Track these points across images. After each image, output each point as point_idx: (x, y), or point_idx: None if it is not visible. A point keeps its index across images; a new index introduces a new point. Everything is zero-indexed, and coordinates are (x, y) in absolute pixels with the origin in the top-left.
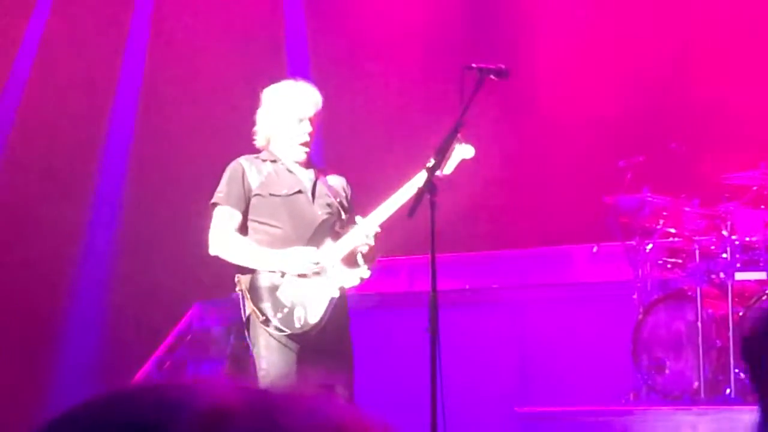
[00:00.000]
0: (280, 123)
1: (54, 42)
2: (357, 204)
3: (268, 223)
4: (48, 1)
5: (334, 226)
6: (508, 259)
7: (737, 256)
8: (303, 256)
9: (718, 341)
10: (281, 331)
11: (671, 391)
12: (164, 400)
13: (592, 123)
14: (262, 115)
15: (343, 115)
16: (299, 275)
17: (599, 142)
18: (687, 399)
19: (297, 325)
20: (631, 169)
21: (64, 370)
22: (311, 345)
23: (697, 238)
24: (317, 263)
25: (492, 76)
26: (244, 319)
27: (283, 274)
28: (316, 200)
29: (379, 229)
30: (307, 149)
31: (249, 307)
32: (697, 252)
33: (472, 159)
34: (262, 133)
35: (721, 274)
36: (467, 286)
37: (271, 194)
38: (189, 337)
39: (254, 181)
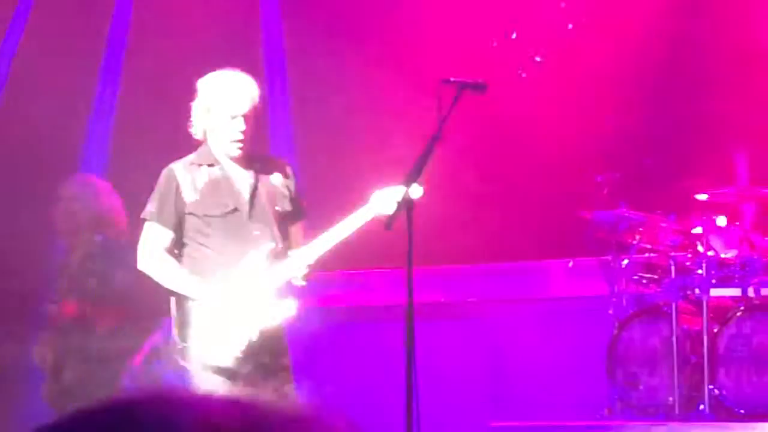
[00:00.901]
0: (212, 119)
1: (32, 47)
2: (309, 197)
3: (202, 243)
4: (28, 2)
5: (270, 249)
6: (484, 273)
7: (713, 272)
8: (222, 300)
9: (692, 357)
10: (199, 362)
11: (646, 407)
12: (159, 416)
13: (569, 138)
14: (196, 108)
15: (316, 116)
16: (221, 306)
17: (576, 157)
18: (661, 414)
19: (210, 362)
20: (608, 185)
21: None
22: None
23: (673, 253)
24: (235, 312)
25: (470, 90)
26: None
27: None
28: (253, 216)
29: (308, 268)
30: (241, 146)
31: (173, 332)
32: (672, 268)
33: (417, 198)
34: (198, 126)
35: (697, 290)
36: (443, 300)
37: (205, 215)
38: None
39: (189, 195)
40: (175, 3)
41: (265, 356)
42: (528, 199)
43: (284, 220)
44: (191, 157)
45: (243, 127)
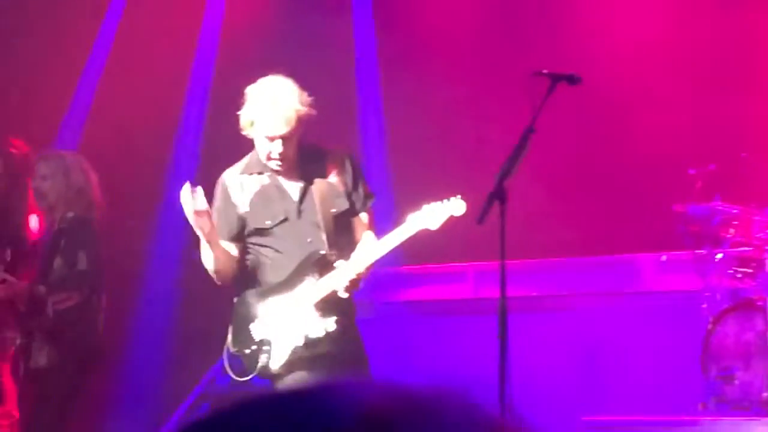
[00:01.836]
0: (254, 133)
1: (126, 42)
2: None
3: (259, 251)
4: (120, 1)
5: (320, 257)
6: (576, 266)
7: None
8: (266, 313)
9: None
10: (235, 372)
11: (740, 402)
12: (324, 405)
13: (663, 130)
14: (243, 116)
15: (406, 122)
16: (274, 312)
17: (670, 149)
18: (756, 409)
19: (258, 366)
20: (702, 178)
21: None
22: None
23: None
24: (281, 322)
25: (563, 82)
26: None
27: (260, 301)
28: (304, 224)
29: (357, 276)
30: (280, 164)
31: (229, 333)
32: (767, 261)
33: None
34: (244, 129)
35: None
36: (535, 294)
37: (257, 227)
38: (210, 395)
39: (242, 206)
40: (262, 17)
41: (320, 350)
42: (621, 192)
43: (342, 219)
44: (242, 164)
45: (280, 149)
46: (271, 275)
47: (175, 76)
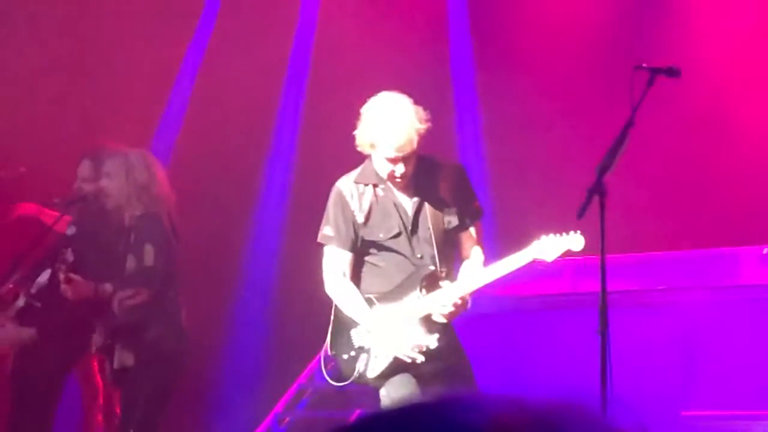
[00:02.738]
0: (375, 153)
1: (220, 45)
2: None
3: (373, 263)
4: (215, 3)
5: (429, 274)
6: (676, 260)
7: None
8: (379, 328)
9: None
10: (331, 377)
11: None
12: (452, 417)
13: (764, 122)
14: (360, 135)
15: (504, 119)
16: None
17: None
18: None
19: (354, 374)
20: None
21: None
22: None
23: None
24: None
25: (663, 75)
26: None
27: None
28: (416, 239)
29: (461, 300)
30: (401, 181)
31: (328, 335)
32: None
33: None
34: (361, 147)
35: None
36: (634, 288)
37: (371, 240)
38: (309, 393)
39: (358, 217)
40: (356, 27)
41: (420, 365)
42: (721, 184)
43: (453, 234)
44: (356, 173)
45: (402, 170)
46: (377, 284)
47: (269, 83)
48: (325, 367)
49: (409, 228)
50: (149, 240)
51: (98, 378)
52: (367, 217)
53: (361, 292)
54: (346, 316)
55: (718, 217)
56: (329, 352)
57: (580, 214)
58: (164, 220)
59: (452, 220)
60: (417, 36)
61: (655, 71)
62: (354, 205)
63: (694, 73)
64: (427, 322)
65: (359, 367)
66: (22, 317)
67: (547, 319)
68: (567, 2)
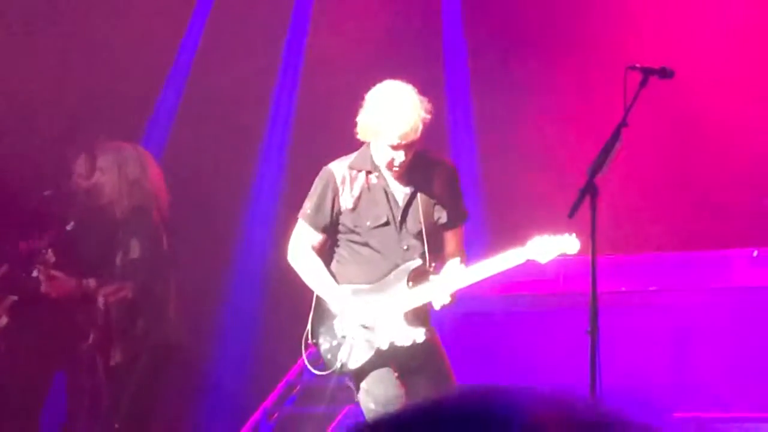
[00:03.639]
0: (377, 142)
1: (213, 40)
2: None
3: (352, 248)
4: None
5: (416, 267)
6: (666, 261)
7: None
8: (354, 313)
9: None
10: (314, 366)
11: None
12: (485, 411)
13: (755, 124)
14: (362, 121)
15: (496, 113)
16: (352, 315)
17: (762, 144)
18: None
19: (336, 364)
20: None
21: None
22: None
23: None
24: (364, 325)
25: (656, 76)
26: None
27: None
28: (404, 231)
29: (449, 299)
30: (398, 170)
31: (309, 324)
32: None
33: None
34: (362, 135)
35: None
36: (624, 289)
37: (356, 225)
38: (297, 389)
39: (345, 202)
40: (349, 18)
41: (403, 359)
42: (712, 186)
43: (441, 230)
44: (351, 158)
45: (402, 158)
46: (361, 274)
47: (262, 76)
48: (306, 355)
49: (398, 219)
50: (136, 234)
51: (85, 374)
52: (356, 204)
53: (344, 281)
54: (325, 306)
55: (709, 218)
56: (310, 340)
57: (572, 214)
58: (154, 215)
59: (442, 217)
60: (410, 29)
61: (648, 72)
62: (345, 190)
63: (687, 74)
64: (413, 315)
65: (341, 357)
66: (16, 311)
67: (536, 319)
68: None
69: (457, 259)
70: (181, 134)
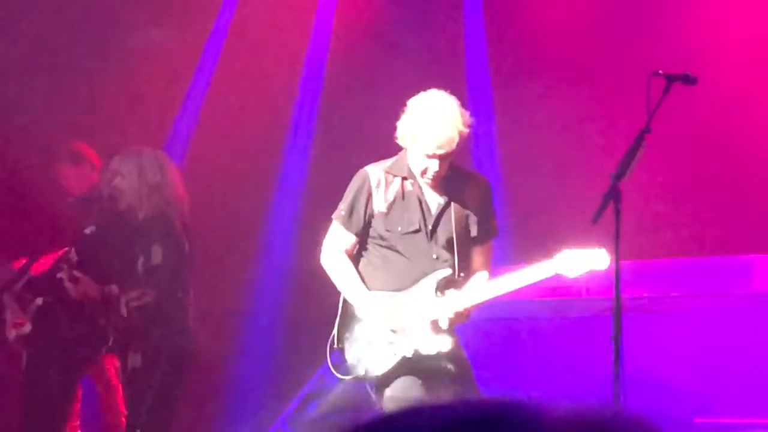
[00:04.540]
0: (414, 147)
1: (237, 40)
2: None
3: (382, 253)
4: (231, 6)
5: (444, 277)
6: (689, 267)
7: None
8: (380, 319)
9: None
10: (338, 371)
11: None
12: (507, 421)
13: None
14: (402, 126)
15: (519, 122)
16: (379, 322)
17: None
18: None
19: (360, 370)
20: None
21: (239, 368)
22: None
23: None
24: (392, 330)
25: (679, 83)
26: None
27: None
28: (435, 240)
29: (466, 311)
30: (433, 180)
31: (335, 328)
32: None
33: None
34: (402, 140)
35: None
36: (647, 294)
37: (387, 230)
38: (320, 394)
39: (378, 205)
40: (373, 26)
41: (428, 367)
42: (735, 192)
43: (471, 244)
44: (388, 163)
45: (437, 168)
46: (390, 280)
47: (285, 81)
48: (332, 361)
49: (430, 227)
50: (158, 240)
51: (111, 378)
52: (389, 208)
53: (372, 286)
54: (350, 311)
55: (732, 224)
56: (335, 345)
57: (595, 219)
58: (175, 221)
59: (473, 230)
60: (433, 36)
61: (671, 78)
62: (379, 193)
63: (711, 80)
64: (439, 324)
65: (366, 363)
66: (40, 317)
67: (559, 325)
68: (584, 5)
69: (485, 273)
70: (203, 138)
